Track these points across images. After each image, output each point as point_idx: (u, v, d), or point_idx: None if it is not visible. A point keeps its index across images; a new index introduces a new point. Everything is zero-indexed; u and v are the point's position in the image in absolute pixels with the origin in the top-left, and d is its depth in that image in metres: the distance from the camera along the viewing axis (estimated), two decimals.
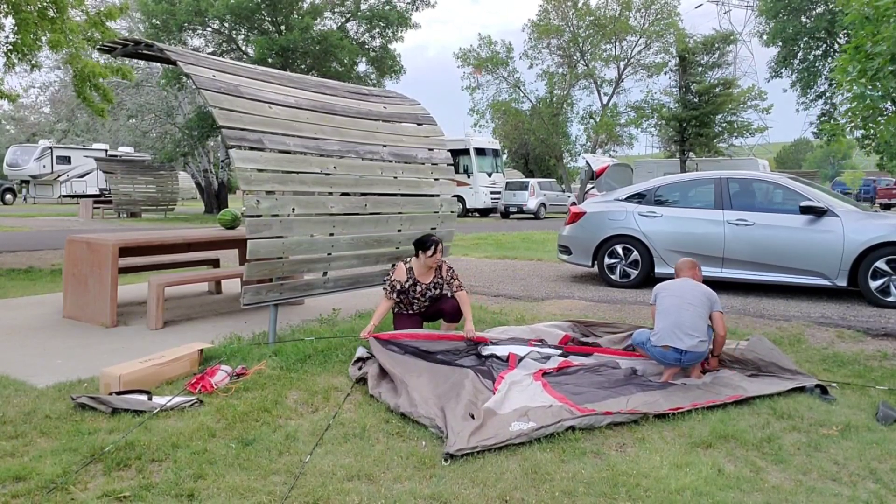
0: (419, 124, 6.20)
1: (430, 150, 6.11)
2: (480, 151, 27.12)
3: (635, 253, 7.75)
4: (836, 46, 25.07)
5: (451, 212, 6.21)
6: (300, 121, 5.05)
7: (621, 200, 8.09)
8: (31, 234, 15.05)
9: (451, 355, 4.44)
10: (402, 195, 5.76)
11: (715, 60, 30.82)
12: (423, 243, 4.79)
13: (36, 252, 11.17)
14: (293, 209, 4.82)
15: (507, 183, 26.91)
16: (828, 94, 26.74)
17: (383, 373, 4.04)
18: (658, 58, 33.04)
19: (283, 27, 22.93)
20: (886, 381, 4.23)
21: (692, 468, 2.94)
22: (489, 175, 27.24)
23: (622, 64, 34.43)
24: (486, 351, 4.56)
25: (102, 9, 10.05)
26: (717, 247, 7.24)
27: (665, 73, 32.87)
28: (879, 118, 6.55)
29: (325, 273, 5.30)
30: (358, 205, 5.38)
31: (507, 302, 6.95)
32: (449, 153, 6.41)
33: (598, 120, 34.46)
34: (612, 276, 7.93)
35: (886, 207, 30.60)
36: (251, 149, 4.58)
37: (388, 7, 23.68)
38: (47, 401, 3.66)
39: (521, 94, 36.09)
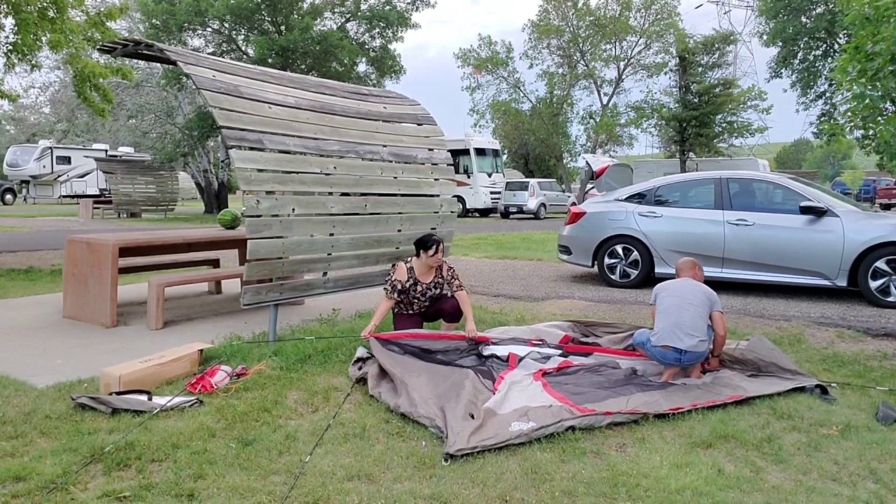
0: (419, 124, 6.20)
1: (430, 150, 6.11)
2: (480, 151, 27.12)
3: (635, 253, 7.75)
4: (836, 46, 25.08)
5: (451, 212, 6.21)
6: (300, 121, 5.05)
7: (621, 200, 8.09)
8: (31, 235, 15.06)
9: (452, 355, 4.44)
10: (402, 195, 5.76)
11: (715, 60, 30.83)
12: (425, 243, 4.79)
13: (36, 252, 11.17)
14: (293, 209, 4.82)
15: (507, 183, 26.91)
16: (828, 94, 26.75)
17: (383, 373, 4.04)
18: (658, 58, 33.08)
19: (283, 27, 22.93)
20: (886, 381, 4.23)
21: (692, 468, 2.94)
22: (489, 175, 27.24)
23: (622, 64, 34.46)
24: (487, 351, 4.56)
25: (102, 9, 10.06)
26: (717, 247, 7.24)
27: (665, 74, 32.92)
28: (879, 118, 6.55)
29: (325, 273, 5.30)
30: (358, 205, 5.38)
31: (507, 302, 6.95)
32: (449, 153, 6.42)
33: (598, 120, 34.46)
34: (612, 276, 7.93)
35: (886, 207, 30.60)
36: (251, 149, 4.58)
37: (388, 7, 23.69)
38: (47, 401, 3.66)
39: (521, 95, 36.13)
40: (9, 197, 32.54)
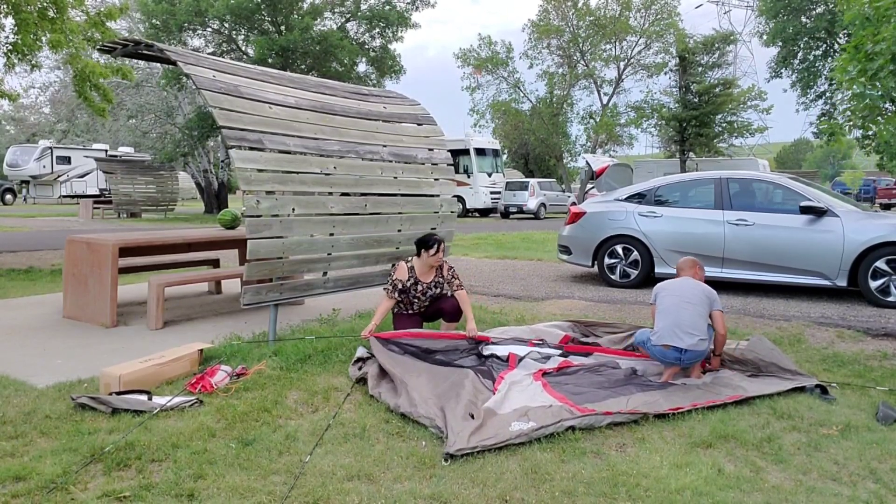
0: (419, 124, 6.20)
1: (430, 150, 6.11)
2: (480, 151, 27.12)
3: (635, 253, 7.75)
4: (836, 46, 25.08)
5: (451, 212, 6.21)
6: (300, 121, 5.05)
7: (621, 200, 8.09)
8: (31, 234, 15.06)
9: (452, 355, 4.44)
10: (402, 195, 5.76)
11: (715, 60, 30.82)
12: (426, 242, 4.80)
13: (36, 252, 11.17)
14: (293, 209, 4.82)
15: (507, 183, 26.91)
16: (828, 94, 26.75)
17: (383, 373, 4.04)
18: (658, 58, 33.07)
19: (283, 27, 22.93)
20: (886, 381, 4.23)
21: (692, 468, 2.94)
22: (489, 175, 27.24)
23: (622, 64, 34.45)
24: (487, 351, 4.56)
25: (102, 9, 10.05)
26: (717, 247, 7.24)
27: (665, 73, 32.91)
28: (879, 118, 6.55)
29: (325, 273, 5.30)
30: (358, 205, 5.38)
31: (507, 302, 6.95)
32: (449, 153, 6.42)
33: (598, 120, 34.46)
34: (612, 276, 7.93)
35: (886, 207, 30.60)
36: (251, 149, 4.58)
37: (388, 7, 23.69)
38: (47, 401, 3.66)
39: (521, 94, 36.11)
40: (9, 197, 32.54)
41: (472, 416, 3.38)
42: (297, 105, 5.13)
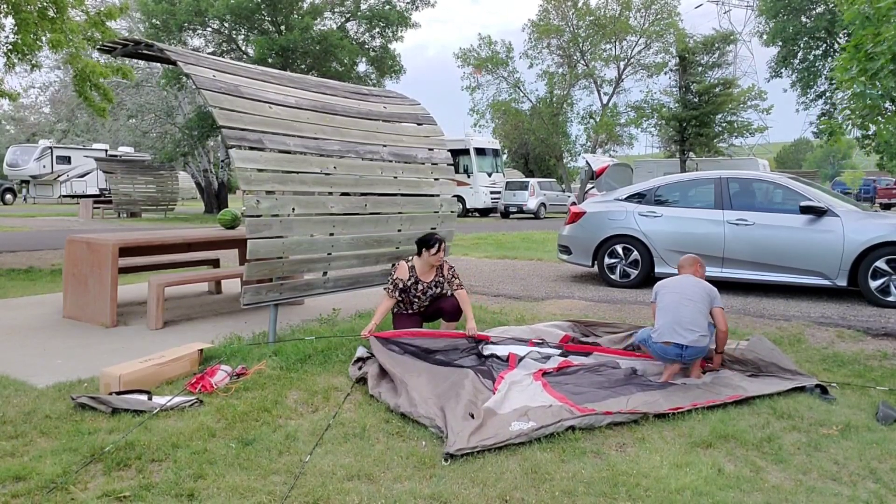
0: (419, 124, 6.20)
1: (430, 150, 6.11)
2: (480, 151, 27.12)
3: (635, 253, 7.75)
4: (836, 46, 25.08)
5: (451, 212, 6.21)
6: (300, 121, 5.05)
7: (621, 200, 8.09)
8: (31, 234, 15.06)
9: (452, 355, 4.44)
10: (403, 195, 5.76)
11: (715, 60, 30.82)
12: (427, 241, 4.81)
13: (36, 252, 11.17)
14: (293, 209, 4.82)
15: (507, 183, 26.92)
16: (828, 94, 26.75)
17: (383, 372, 4.04)
18: (658, 58, 33.08)
19: (283, 27, 22.93)
20: (886, 381, 4.23)
21: (692, 468, 2.94)
22: (489, 175, 27.24)
23: (622, 64, 34.46)
24: (487, 351, 4.56)
25: (102, 9, 10.05)
26: (717, 247, 7.24)
27: (665, 73, 32.92)
28: (879, 117, 6.55)
29: (325, 273, 5.30)
30: (358, 205, 5.38)
31: (507, 302, 6.95)
32: (449, 153, 6.42)
33: (598, 120, 34.46)
34: (612, 276, 7.93)
35: (886, 207, 30.60)
36: (251, 149, 4.58)
37: (388, 7, 23.69)
38: (47, 401, 3.66)
39: (521, 94, 36.12)
40: (9, 197, 32.54)
41: (472, 416, 3.38)
42: (297, 105, 5.13)
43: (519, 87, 35.76)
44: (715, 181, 7.58)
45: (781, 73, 28.14)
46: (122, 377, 3.77)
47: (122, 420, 3.39)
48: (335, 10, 24.33)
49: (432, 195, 6.05)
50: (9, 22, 9.20)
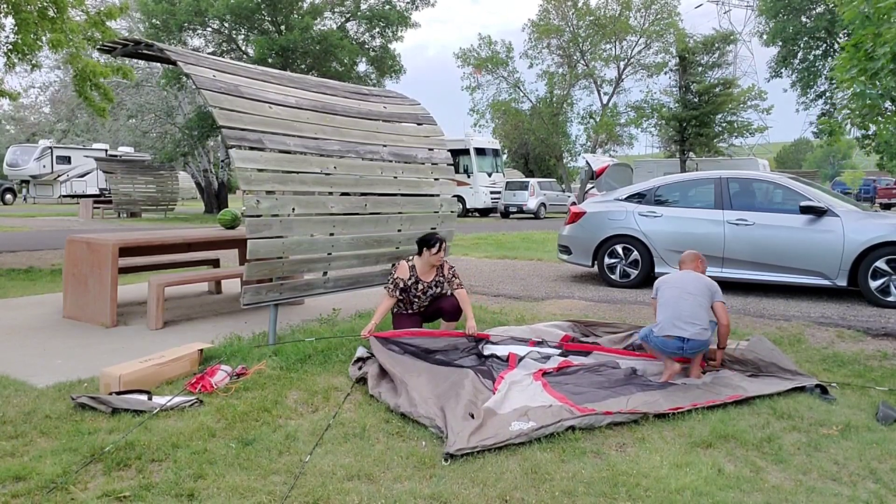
0: (419, 124, 6.20)
1: (430, 149, 6.11)
2: (480, 151, 27.12)
3: (635, 253, 7.75)
4: (836, 46, 25.08)
5: (451, 212, 6.21)
6: (300, 121, 5.05)
7: (621, 200, 8.09)
8: (31, 234, 15.06)
9: (452, 355, 4.44)
10: (403, 195, 5.76)
11: (715, 60, 30.82)
12: (428, 241, 4.82)
13: (36, 252, 11.17)
14: (293, 209, 4.82)
15: (507, 183, 26.92)
16: (828, 94, 26.75)
17: (383, 372, 4.04)
18: (658, 58, 33.09)
19: (283, 27, 22.93)
20: (886, 381, 4.23)
21: (692, 468, 2.94)
22: (489, 175, 27.24)
23: (622, 64, 34.47)
24: (487, 351, 4.56)
25: (102, 9, 10.06)
26: (717, 247, 7.24)
27: (665, 73, 32.92)
28: (879, 117, 6.54)
29: (325, 273, 5.30)
30: (358, 205, 5.38)
31: (507, 302, 6.95)
32: (449, 153, 6.42)
33: (598, 120, 34.46)
34: (612, 276, 7.93)
35: (886, 207, 30.59)
36: (251, 149, 4.58)
37: (388, 7, 23.69)
38: (47, 401, 3.66)
39: (521, 94, 36.12)
40: (9, 197, 32.54)
41: (472, 416, 3.38)
42: (297, 105, 5.13)
43: (519, 87, 35.78)
44: (715, 181, 7.58)
45: (781, 73, 28.15)
46: (122, 377, 3.77)
47: (122, 420, 3.39)
48: (335, 10, 24.33)
49: (432, 195, 6.05)
50: (9, 22, 9.21)
